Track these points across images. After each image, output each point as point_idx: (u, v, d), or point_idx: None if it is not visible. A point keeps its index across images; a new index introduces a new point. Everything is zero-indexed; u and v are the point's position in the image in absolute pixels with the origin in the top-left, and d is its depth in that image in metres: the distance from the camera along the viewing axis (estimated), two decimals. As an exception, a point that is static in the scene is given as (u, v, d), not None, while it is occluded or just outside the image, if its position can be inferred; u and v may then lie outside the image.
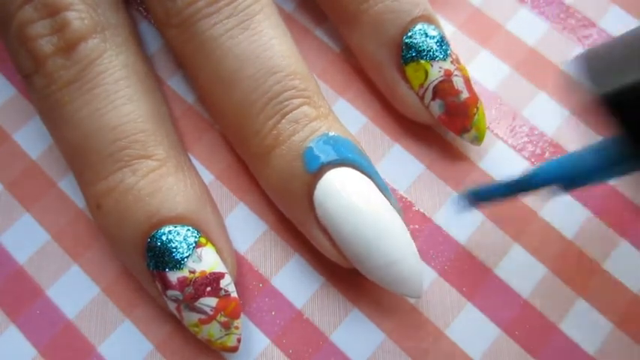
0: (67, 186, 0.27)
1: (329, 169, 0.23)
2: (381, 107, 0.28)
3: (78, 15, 0.25)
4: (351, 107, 0.28)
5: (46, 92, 0.24)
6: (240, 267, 0.26)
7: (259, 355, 0.25)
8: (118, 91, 0.24)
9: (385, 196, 0.24)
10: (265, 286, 0.26)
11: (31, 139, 0.28)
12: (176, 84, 0.29)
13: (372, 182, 0.23)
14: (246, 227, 0.27)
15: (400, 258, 0.23)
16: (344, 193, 0.23)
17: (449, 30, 0.30)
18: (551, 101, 0.29)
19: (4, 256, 0.26)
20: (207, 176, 0.27)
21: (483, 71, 0.29)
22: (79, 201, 0.27)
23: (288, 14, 0.30)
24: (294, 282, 0.26)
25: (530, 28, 0.30)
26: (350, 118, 0.28)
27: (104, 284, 0.26)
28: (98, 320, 0.25)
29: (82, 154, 0.24)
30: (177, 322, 0.25)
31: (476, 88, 0.27)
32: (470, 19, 0.30)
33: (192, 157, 0.27)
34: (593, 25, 0.30)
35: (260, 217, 0.27)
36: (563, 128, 0.28)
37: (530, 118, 0.28)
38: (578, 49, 0.30)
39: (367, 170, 0.24)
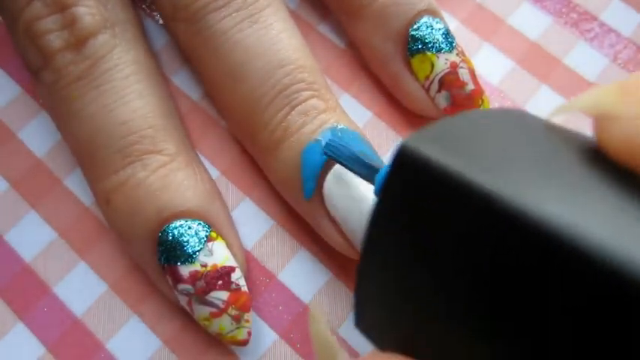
0: (73, 183, 0.27)
1: None
2: (385, 102, 0.29)
3: (88, 11, 0.25)
4: (355, 102, 0.29)
5: (55, 87, 0.24)
6: (246, 262, 0.26)
7: (267, 349, 0.25)
8: (128, 87, 0.24)
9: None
10: (272, 281, 0.26)
11: (36, 137, 0.28)
12: (180, 81, 0.29)
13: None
14: (252, 223, 0.27)
15: None
16: (353, 184, 0.23)
17: (452, 25, 0.30)
18: (554, 95, 0.29)
19: (10, 254, 0.26)
20: (212, 172, 0.27)
21: (486, 66, 0.29)
22: (85, 198, 0.27)
23: (291, 10, 0.30)
24: (301, 276, 0.26)
25: (532, 22, 0.30)
26: (355, 113, 0.28)
27: (112, 281, 0.26)
28: (106, 317, 0.25)
29: (92, 149, 0.24)
30: (185, 318, 0.25)
31: (480, 83, 0.27)
32: (472, 13, 0.30)
33: (197, 154, 0.27)
34: (594, 18, 0.30)
35: (266, 213, 0.27)
36: (567, 122, 0.28)
37: (533, 112, 0.28)
38: (580, 43, 0.30)
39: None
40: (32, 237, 0.26)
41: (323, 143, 0.23)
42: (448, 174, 0.14)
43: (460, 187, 0.14)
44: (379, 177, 0.19)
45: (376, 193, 0.18)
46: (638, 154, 0.15)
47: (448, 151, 0.14)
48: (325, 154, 0.23)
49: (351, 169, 0.22)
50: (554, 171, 0.15)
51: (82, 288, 0.26)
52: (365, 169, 0.21)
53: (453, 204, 0.14)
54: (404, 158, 0.15)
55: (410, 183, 0.15)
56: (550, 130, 0.17)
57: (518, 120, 0.18)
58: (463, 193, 0.14)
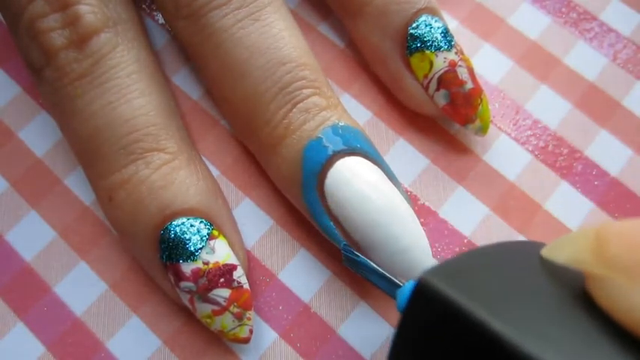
0: (73, 183, 0.27)
1: (339, 158, 0.23)
2: (385, 102, 0.29)
3: (90, 9, 0.25)
4: (355, 102, 0.29)
5: (57, 85, 0.24)
6: (247, 262, 0.26)
7: (267, 349, 0.25)
8: (130, 85, 0.24)
9: (394, 184, 0.24)
10: (272, 281, 0.26)
11: (36, 137, 0.28)
12: (180, 81, 0.29)
13: (381, 171, 0.24)
14: (252, 222, 0.27)
15: (411, 245, 0.23)
16: (355, 182, 0.23)
17: (451, 25, 0.30)
18: (553, 94, 0.29)
19: (10, 254, 0.26)
20: (213, 172, 0.27)
21: (486, 65, 0.29)
22: (85, 198, 0.27)
23: (291, 10, 0.30)
24: (301, 276, 0.26)
25: (531, 22, 0.30)
26: (355, 112, 0.28)
27: (112, 281, 0.26)
28: (106, 317, 0.25)
29: (94, 147, 0.24)
30: (185, 318, 0.25)
31: (479, 82, 0.27)
32: (472, 13, 0.30)
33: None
34: (594, 18, 0.30)
35: (266, 212, 0.27)
36: (567, 121, 0.28)
37: (533, 112, 0.29)
38: (579, 43, 0.30)
39: (376, 159, 0.24)
40: (32, 237, 0.26)
41: (324, 141, 0.24)
42: (459, 312, 0.16)
43: (470, 325, 0.16)
44: (401, 294, 0.20)
45: (399, 309, 0.20)
46: (617, 311, 0.16)
47: (461, 289, 0.16)
48: (345, 264, 0.24)
49: (371, 282, 0.23)
50: (555, 315, 0.17)
51: (82, 288, 0.26)
52: (386, 284, 0.22)
53: (462, 338, 0.16)
54: (422, 292, 0.17)
55: (425, 314, 0.17)
56: (551, 268, 0.19)
57: (525, 257, 0.20)
58: (472, 331, 0.16)
